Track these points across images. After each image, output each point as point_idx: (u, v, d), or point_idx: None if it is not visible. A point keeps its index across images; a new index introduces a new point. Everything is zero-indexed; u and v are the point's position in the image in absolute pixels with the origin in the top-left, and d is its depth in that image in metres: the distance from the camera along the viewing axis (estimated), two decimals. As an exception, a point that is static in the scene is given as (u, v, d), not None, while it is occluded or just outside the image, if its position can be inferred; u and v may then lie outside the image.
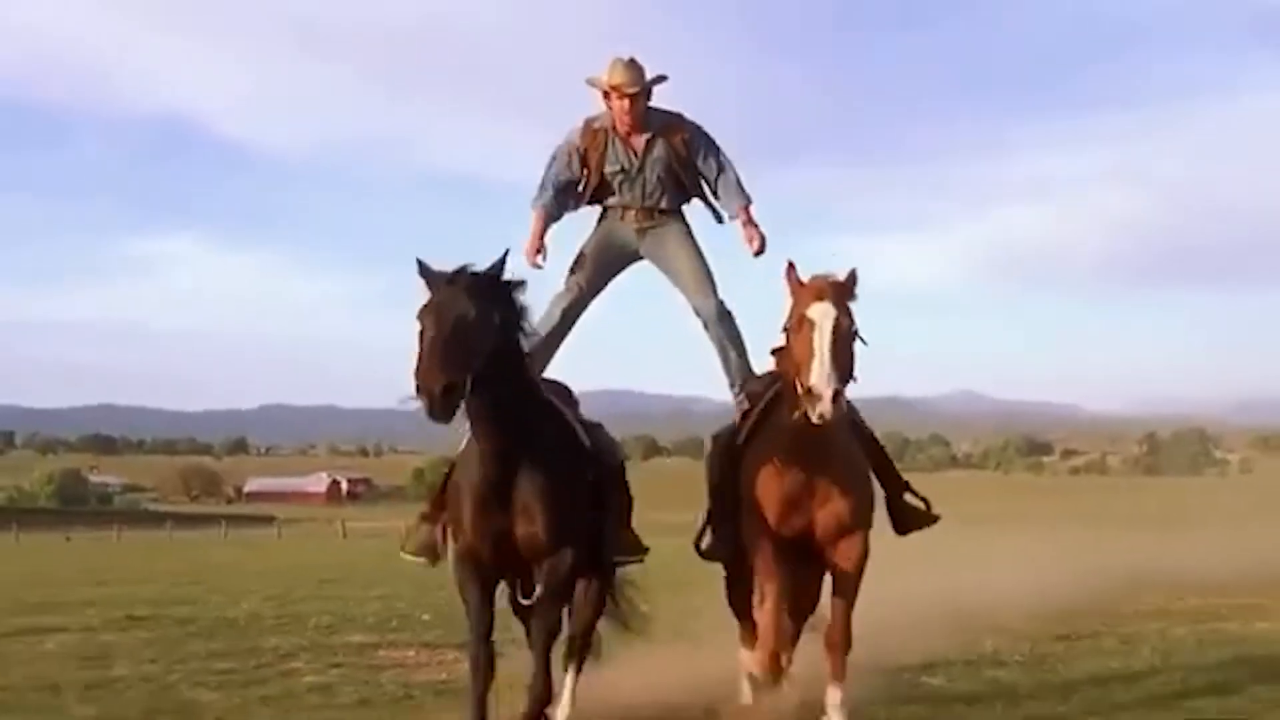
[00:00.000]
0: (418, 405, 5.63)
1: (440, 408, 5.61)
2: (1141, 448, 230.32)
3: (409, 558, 7.00)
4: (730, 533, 7.12)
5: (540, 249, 7.40)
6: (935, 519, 7.43)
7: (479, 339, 5.89)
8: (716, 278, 7.57)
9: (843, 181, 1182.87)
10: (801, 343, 6.29)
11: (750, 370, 7.39)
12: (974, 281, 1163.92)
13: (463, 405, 5.88)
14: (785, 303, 6.56)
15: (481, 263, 6.09)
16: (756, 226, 7.38)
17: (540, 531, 6.30)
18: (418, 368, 5.68)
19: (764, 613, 6.85)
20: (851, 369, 6.35)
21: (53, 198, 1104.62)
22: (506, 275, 6.19)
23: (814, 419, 6.16)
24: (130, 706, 8.30)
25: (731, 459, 7.13)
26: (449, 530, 6.69)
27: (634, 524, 7.33)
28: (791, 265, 6.55)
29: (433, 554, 6.88)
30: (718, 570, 7.63)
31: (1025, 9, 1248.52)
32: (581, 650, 7.38)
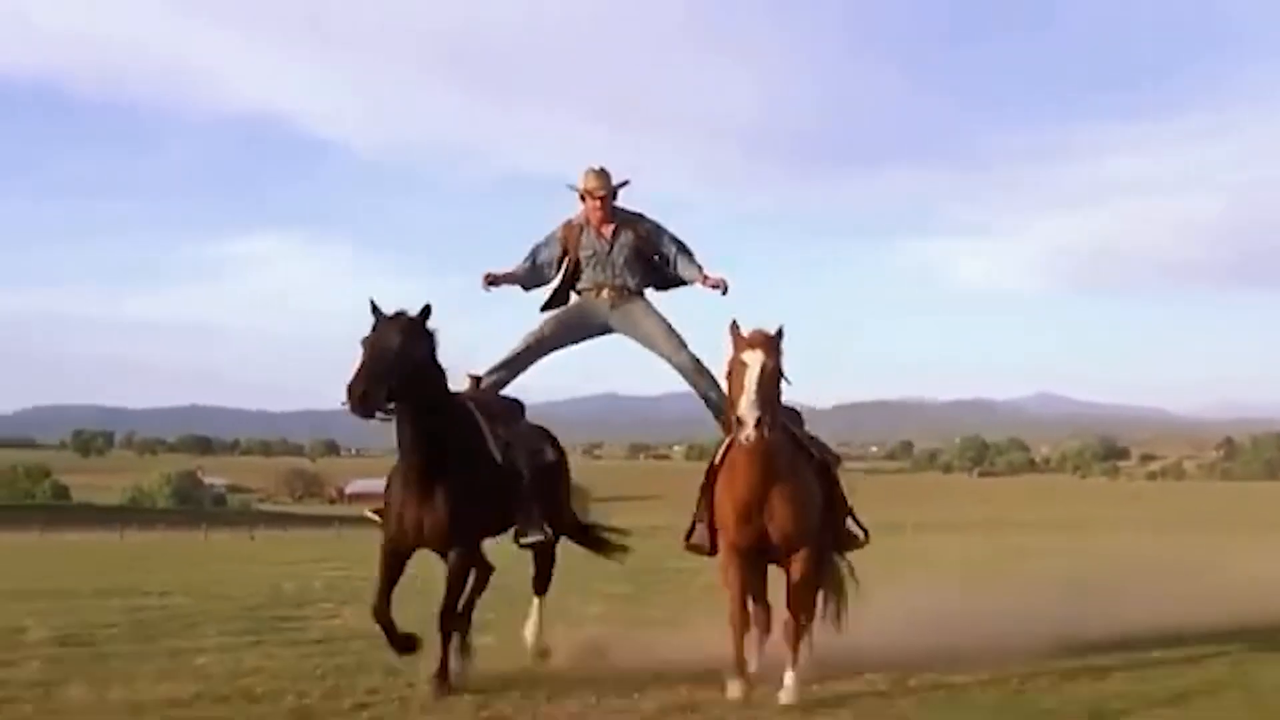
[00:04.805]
0: (345, 406, 7.20)
1: (358, 408, 7.21)
2: (1219, 452, 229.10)
3: (373, 515, 8.27)
4: (704, 532, 8.21)
5: (494, 281, 8.87)
6: (866, 543, 8.61)
7: (398, 365, 7.36)
8: (684, 337, 8.91)
9: (930, 184, 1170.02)
10: (735, 381, 7.43)
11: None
12: (1057, 284, 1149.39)
13: (395, 427, 7.56)
14: (726, 351, 7.63)
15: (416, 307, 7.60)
16: (712, 277, 8.75)
17: (440, 527, 7.66)
18: (350, 380, 7.24)
19: (729, 616, 7.88)
20: (778, 403, 7.50)
21: (141, 199, 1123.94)
22: (429, 322, 7.59)
23: (741, 440, 7.35)
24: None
25: (708, 477, 8.18)
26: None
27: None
28: (735, 324, 7.67)
29: None
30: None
31: (1106, 15, 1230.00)
32: (545, 579, 8.92)
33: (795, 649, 7.79)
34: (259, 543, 52.60)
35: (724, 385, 7.80)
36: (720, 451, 8.11)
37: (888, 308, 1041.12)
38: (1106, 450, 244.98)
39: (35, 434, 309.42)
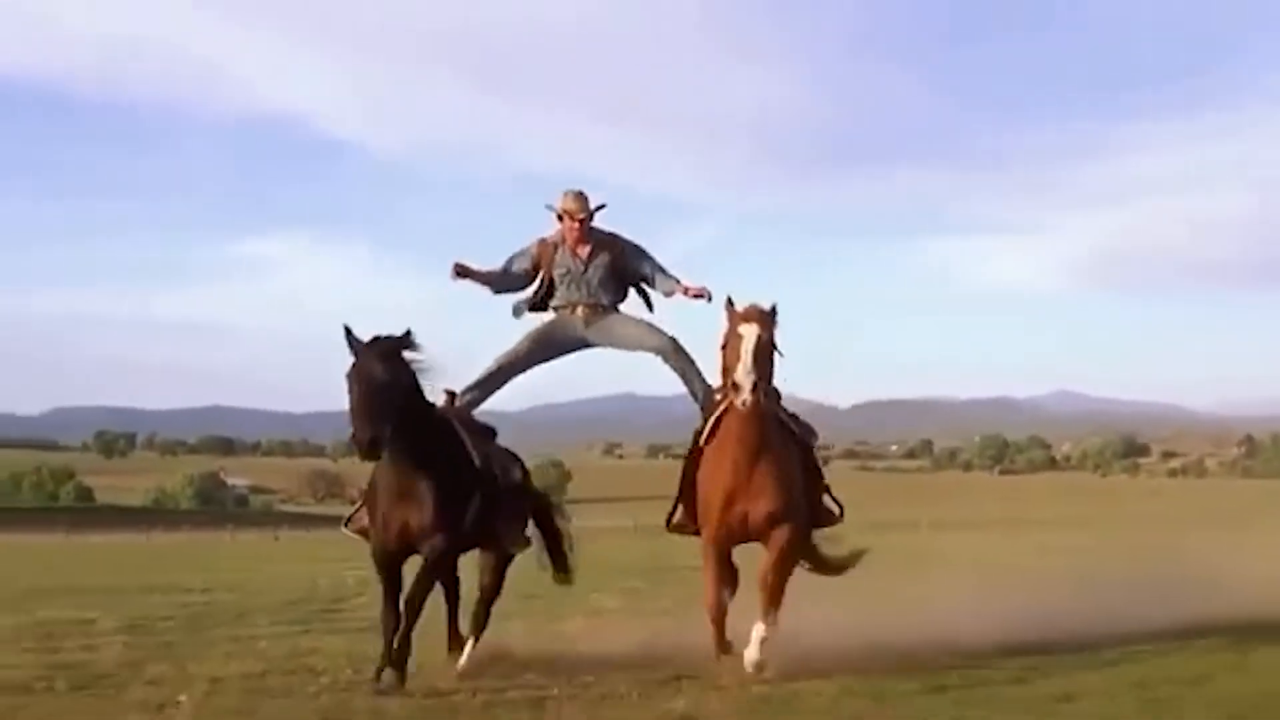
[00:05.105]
0: (354, 452, 7.47)
1: (369, 454, 7.49)
2: (1240, 449, 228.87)
3: (350, 533, 8.56)
4: (687, 514, 8.50)
5: (463, 274, 8.91)
6: (840, 520, 8.76)
7: (394, 398, 7.51)
8: (660, 325, 9.06)
9: (946, 184, 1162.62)
10: (732, 351, 7.75)
11: (708, 386, 8.75)
12: (1076, 282, 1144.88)
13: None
14: (723, 327, 7.97)
15: (396, 329, 7.75)
16: (693, 287, 8.78)
17: (426, 522, 7.79)
18: (351, 421, 7.41)
19: (706, 607, 8.30)
20: (771, 373, 7.85)
21: (155, 199, 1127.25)
22: (410, 345, 7.76)
23: (738, 404, 7.63)
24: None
25: (691, 457, 8.50)
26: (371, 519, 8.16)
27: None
28: (730, 300, 8.04)
29: (367, 535, 8.25)
30: None
31: (1113, 14, 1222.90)
32: (483, 616, 8.91)
33: (766, 615, 8.03)
34: (284, 543, 53.64)
35: (719, 358, 8.04)
36: (705, 432, 8.36)
37: (905, 307, 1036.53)
38: (1127, 448, 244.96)
39: (58, 435, 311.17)
